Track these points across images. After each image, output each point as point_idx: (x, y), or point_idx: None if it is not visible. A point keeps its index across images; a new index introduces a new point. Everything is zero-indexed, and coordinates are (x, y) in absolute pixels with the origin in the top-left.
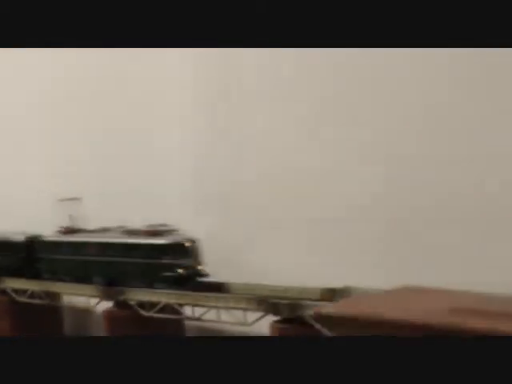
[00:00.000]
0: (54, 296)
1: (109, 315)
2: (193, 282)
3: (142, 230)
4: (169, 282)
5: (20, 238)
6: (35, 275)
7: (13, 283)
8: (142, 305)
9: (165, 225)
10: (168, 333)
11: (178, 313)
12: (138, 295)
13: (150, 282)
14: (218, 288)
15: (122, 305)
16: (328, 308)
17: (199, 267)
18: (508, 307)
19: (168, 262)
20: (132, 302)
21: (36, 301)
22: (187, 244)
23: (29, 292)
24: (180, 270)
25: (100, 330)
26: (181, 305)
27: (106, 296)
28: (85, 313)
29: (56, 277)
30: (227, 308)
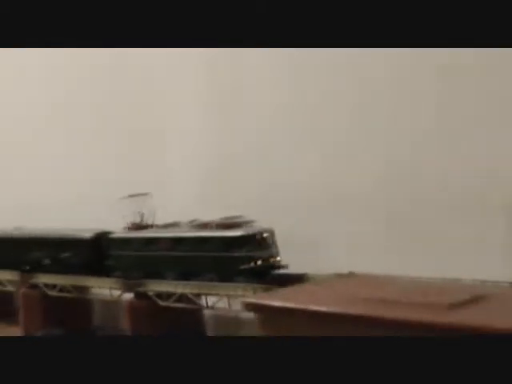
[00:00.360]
0: (83, 289)
1: (130, 306)
2: (270, 274)
3: (214, 222)
4: (245, 275)
5: (88, 235)
6: (104, 272)
7: (44, 278)
8: (160, 295)
9: (239, 216)
10: (186, 323)
11: (193, 303)
12: (155, 286)
13: (225, 276)
14: (298, 280)
15: (141, 296)
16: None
17: (276, 259)
18: (439, 296)
19: (243, 254)
20: (150, 293)
21: (65, 294)
22: (263, 235)
23: (58, 286)
24: (257, 263)
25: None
26: (198, 295)
27: (126, 288)
28: (112, 304)
29: (126, 273)
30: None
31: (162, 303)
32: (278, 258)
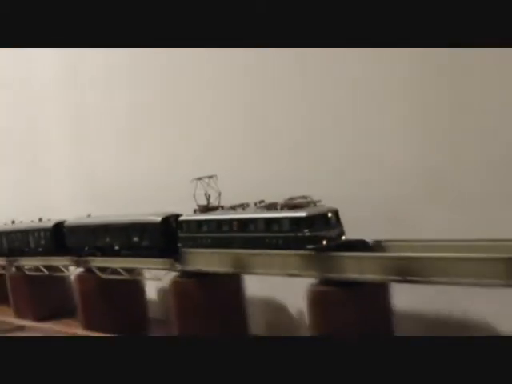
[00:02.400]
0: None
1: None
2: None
3: (281, 203)
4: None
5: (157, 219)
6: (173, 255)
7: (97, 262)
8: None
9: (305, 197)
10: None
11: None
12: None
13: None
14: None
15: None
16: None
17: (341, 238)
18: None
19: (310, 234)
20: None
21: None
22: (329, 215)
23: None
24: (323, 242)
25: None
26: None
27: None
28: None
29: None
30: None
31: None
32: (343, 237)
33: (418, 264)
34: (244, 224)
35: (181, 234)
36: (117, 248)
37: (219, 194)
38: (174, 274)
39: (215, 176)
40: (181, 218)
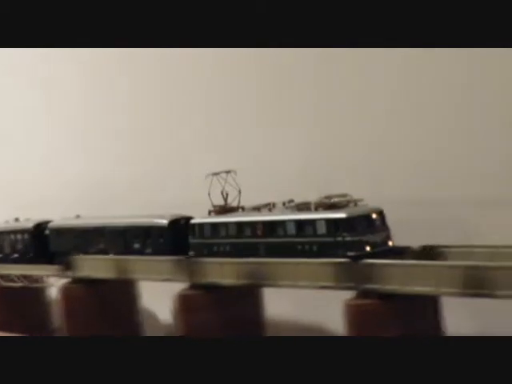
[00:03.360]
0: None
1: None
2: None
3: (315, 202)
4: None
5: (163, 221)
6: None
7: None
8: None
9: (344, 195)
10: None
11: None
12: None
13: None
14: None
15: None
16: None
17: (389, 243)
18: None
19: (351, 239)
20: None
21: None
22: (373, 216)
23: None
24: (365, 248)
25: None
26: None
27: None
28: None
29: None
30: None
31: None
32: (390, 243)
33: (488, 274)
34: (270, 227)
35: (193, 240)
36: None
37: (239, 192)
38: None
39: (234, 171)
40: (193, 221)
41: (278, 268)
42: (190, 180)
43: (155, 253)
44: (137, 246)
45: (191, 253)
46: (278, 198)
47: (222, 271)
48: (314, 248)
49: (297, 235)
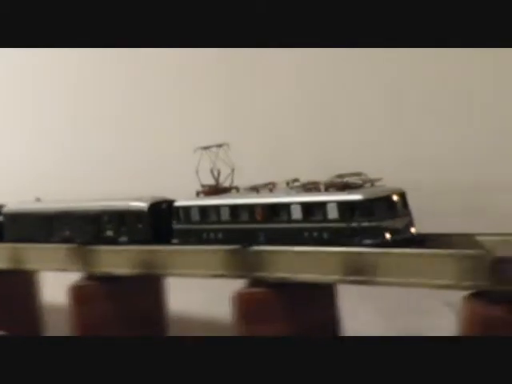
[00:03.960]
0: None
1: None
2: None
3: (325, 182)
4: None
5: (142, 205)
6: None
7: None
8: None
9: (359, 174)
10: None
11: None
12: None
13: None
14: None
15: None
16: None
17: (412, 230)
18: None
19: (369, 224)
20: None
21: None
22: (394, 198)
23: None
24: (385, 235)
25: None
26: None
27: None
28: None
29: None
30: None
31: None
32: (413, 230)
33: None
34: (272, 211)
35: (177, 226)
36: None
37: (232, 171)
38: None
39: (226, 145)
40: (177, 204)
41: (173, 256)
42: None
43: (132, 241)
44: (110, 233)
45: (175, 241)
46: (279, 177)
47: (117, 260)
48: (325, 235)
49: (303, 220)
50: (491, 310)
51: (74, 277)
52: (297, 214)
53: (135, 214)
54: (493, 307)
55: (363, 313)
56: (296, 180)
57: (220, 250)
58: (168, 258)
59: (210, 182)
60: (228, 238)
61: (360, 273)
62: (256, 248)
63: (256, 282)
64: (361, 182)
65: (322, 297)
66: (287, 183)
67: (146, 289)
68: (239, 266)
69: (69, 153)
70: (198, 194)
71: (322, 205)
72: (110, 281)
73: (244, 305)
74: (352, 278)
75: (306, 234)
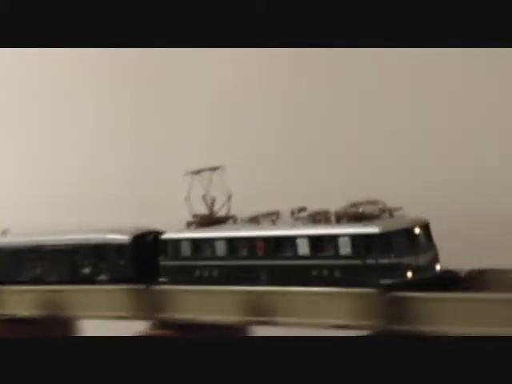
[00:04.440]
0: None
1: None
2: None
3: (337, 212)
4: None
5: (123, 238)
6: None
7: None
8: None
9: (375, 201)
10: None
11: None
12: None
13: None
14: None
15: None
16: None
17: (437, 267)
18: None
19: (388, 262)
20: None
21: None
22: (416, 231)
23: None
24: (407, 274)
25: None
26: None
27: None
28: None
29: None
30: None
31: None
32: (438, 267)
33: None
34: (275, 246)
35: (165, 262)
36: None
37: (229, 198)
38: None
39: (221, 168)
40: (165, 236)
41: (78, 296)
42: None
43: (113, 279)
44: (86, 270)
45: (162, 279)
46: (283, 206)
47: (22, 300)
48: (336, 274)
49: (312, 256)
50: None
51: None
52: (304, 249)
53: (115, 249)
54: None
55: None
56: (303, 209)
57: (122, 290)
58: (72, 299)
59: (203, 210)
60: (224, 276)
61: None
62: (159, 287)
63: (161, 324)
64: (378, 211)
65: None
66: (292, 213)
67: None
68: (142, 306)
69: (41, 177)
70: (188, 224)
71: (333, 238)
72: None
73: None
74: (253, 318)
75: (314, 272)
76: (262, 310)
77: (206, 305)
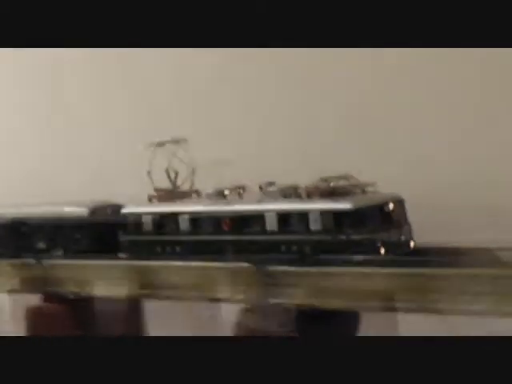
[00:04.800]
0: None
1: None
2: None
3: (307, 187)
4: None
5: (80, 211)
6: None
7: None
8: None
9: (347, 176)
10: None
11: None
12: None
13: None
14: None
15: None
16: None
17: (410, 242)
18: None
19: (360, 237)
20: None
21: None
22: (390, 207)
23: None
24: (380, 250)
25: None
26: None
27: None
28: None
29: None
30: None
31: None
32: (412, 243)
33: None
34: (242, 221)
35: (125, 238)
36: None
37: (192, 171)
38: None
39: (184, 140)
40: (125, 210)
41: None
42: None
43: (68, 254)
44: (41, 245)
45: (122, 255)
46: (251, 180)
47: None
48: (306, 249)
49: (280, 232)
50: None
51: None
52: (272, 224)
53: (73, 222)
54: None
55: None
56: (271, 183)
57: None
58: None
59: (166, 184)
60: (188, 252)
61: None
62: (50, 262)
63: (50, 297)
64: (350, 186)
65: (122, 312)
66: (260, 187)
67: None
68: (32, 280)
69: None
70: (150, 199)
71: (304, 214)
72: None
73: (36, 320)
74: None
75: (283, 247)
76: (149, 285)
77: (95, 278)
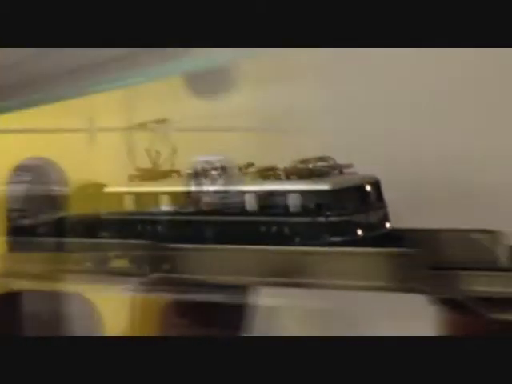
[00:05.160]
0: None
1: None
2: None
3: (286, 168)
4: None
5: (63, 190)
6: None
7: None
8: None
9: (326, 158)
10: None
11: None
12: None
13: None
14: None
15: None
16: None
17: (386, 225)
18: None
19: (337, 219)
20: None
21: None
22: (367, 188)
23: None
24: (357, 232)
25: None
26: None
27: None
28: None
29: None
30: None
31: None
32: (388, 225)
33: None
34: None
35: (106, 216)
36: None
37: (173, 152)
38: None
39: (166, 120)
40: (105, 190)
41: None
42: None
43: (51, 232)
44: (26, 221)
45: (104, 234)
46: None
47: None
48: (286, 231)
49: (259, 213)
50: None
51: None
52: (251, 205)
53: (55, 200)
54: None
55: None
56: (250, 165)
57: None
58: None
59: (146, 164)
60: (168, 231)
61: None
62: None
63: None
64: (328, 168)
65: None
66: (240, 168)
67: None
68: None
69: None
70: (131, 178)
71: (283, 195)
72: None
73: None
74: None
75: (262, 228)
76: None
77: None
